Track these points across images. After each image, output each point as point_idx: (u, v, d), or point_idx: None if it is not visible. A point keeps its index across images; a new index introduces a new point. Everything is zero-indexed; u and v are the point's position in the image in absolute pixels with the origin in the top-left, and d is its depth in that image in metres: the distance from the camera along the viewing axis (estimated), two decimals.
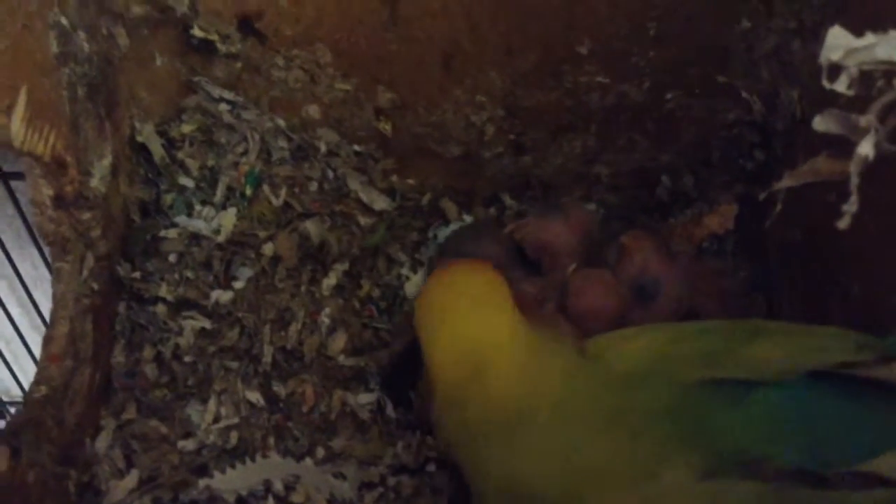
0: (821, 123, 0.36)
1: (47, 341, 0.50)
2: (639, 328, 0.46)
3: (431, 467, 0.54)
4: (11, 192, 0.73)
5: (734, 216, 0.62)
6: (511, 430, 0.44)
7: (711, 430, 0.38)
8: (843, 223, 0.35)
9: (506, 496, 0.44)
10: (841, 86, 0.36)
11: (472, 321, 0.47)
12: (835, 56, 0.36)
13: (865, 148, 0.34)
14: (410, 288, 0.63)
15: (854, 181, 0.34)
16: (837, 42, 0.36)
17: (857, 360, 0.37)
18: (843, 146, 0.40)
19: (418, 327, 0.49)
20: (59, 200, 0.49)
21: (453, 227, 0.66)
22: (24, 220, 0.74)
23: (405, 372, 0.54)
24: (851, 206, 0.34)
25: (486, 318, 0.47)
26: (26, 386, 0.79)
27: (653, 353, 0.43)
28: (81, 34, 0.50)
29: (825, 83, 0.36)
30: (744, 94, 0.58)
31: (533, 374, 0.45)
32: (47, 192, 0.49)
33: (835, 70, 0.36)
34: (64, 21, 0.48)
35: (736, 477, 0.36)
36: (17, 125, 0.43)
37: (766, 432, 0.37)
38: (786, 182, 0.43)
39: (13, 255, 0.78)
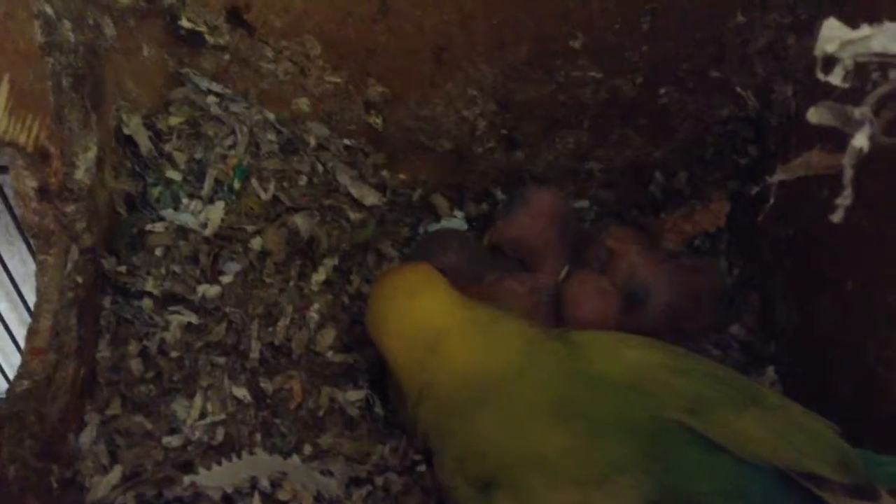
0: (815, 115, 0.36)
1: (31, 335, 0.49)
2: (639, 338, 0.46)
3: (421, 467, 0.53)
4: None
5: (726, 213, 0.62)
6: (469, 398, 0.44)
7: (674, 464, 0.38)
8: (836, 216, 0.34)
9: (462, 472, 0.43)
10: (836, 78, 0.36)
11: (413, 308, 0.49)
12: (830, 48, 0.35)
13: (860, 140, 0.34)
14: None
15: (848, 174, 0.34)
16: (832, 34, 0.36)
17: (832, 479, 0.36)
18: (837, 141, 0.39)
19: (370, 335, 0.51)
20: (42, 192, 0.48)
21: (444, 223, 0.66)
22: (13, 215, 0.73)
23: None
24: (845, 200, 0.34)
25: (426, 302, 0.49)
26: None
27: (646, 370, 0.43)
28: (67, 24, 0.49)
29: (820, 75, 0.36)
30: (738, 90, 0.58)
31: (485, 345, 0.46)
32: (31, 183, 0.48)
33: (830, 62, 0.36)
34: (49, 10, 0.47)
35: None
36: None
37: (724, 489, 0.37)
38: (779, 176, 0.43)
39: (1, 251, 0.77)
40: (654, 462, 0.38)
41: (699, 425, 0.39)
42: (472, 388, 0.45)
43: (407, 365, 0.48)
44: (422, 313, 0.48)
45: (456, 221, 0.66)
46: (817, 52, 0.36)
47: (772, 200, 0.43)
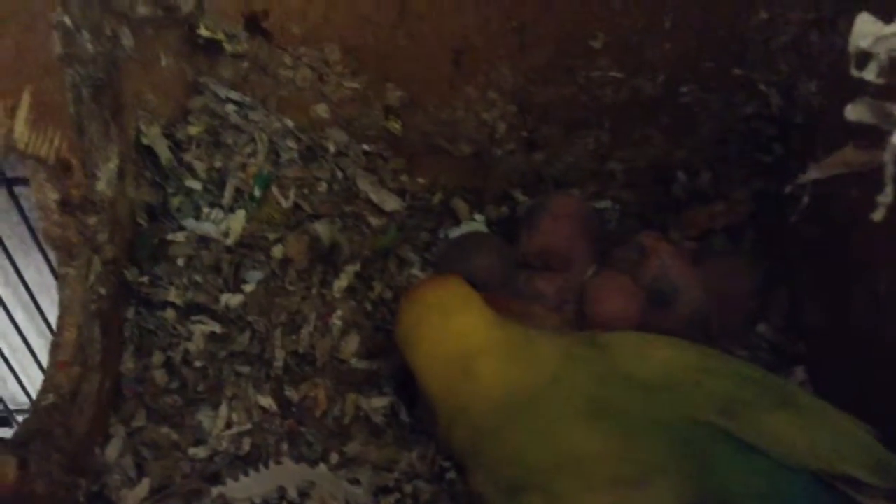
0: (853, 112, 0.35)
1: (55, 348, 0.49)
2: (668, 338, 0.45)
3: (451, 474, 0.53)
4: (15, 199, 0.72)
5: (744, 211, 0.61)
6: (503, 418, 0.44)
7: (709, 465, 0.38)
8: (878, 215, 0.33)
9: (494, 479, 0.43)
10: (870, 74, 0.35)
11: (447, 329, 0.47)
12: (864, 43, 0.35)
13: None
14: None
15: (890, 170, 0.33)
16: (866, 29, 0.35)
17: (867, 482, 0.36)
18: (871, 137, 0.39)
19: (401, 354, 0.50)
20: (64, 204, 0.48)
21: (464, 227, 0.65)
22: (29, 227, 0.73)
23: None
24: (887, 198, 0.33)
25: (460, 322, 0.47)
26: (32, 393, 0.78)
27: (677, 370, 0.42)
28: (86, 35, 0.49)
29: (853, 71, 0.35)
30: (761, 87, 0.57)
31: (520, 366, 0.45)
32: (52, 195, 0.48)
33: (863, 58, 0.35)
34: (68, 21, 0.47)
35: None
36: (20, 127, 0.42)
37: (760, 491, 0.37)
38: (812, 174, 0.42)
39: (18, 262, 0.77)
40: (690, 463, 0.38)
41: (732, 426, 0.38)
42: (507, 409, 0.44)
43: (440, 387, 0.47)
44: (455, 335, 0.47)
45: (476, 225, 0.65)
46: (851, 47, 0.35)
47: (806, 199, 0.42)
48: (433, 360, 0.47)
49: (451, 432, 0.46)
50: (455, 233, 0.64)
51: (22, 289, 0.79)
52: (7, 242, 0.76)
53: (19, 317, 0.84)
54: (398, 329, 0.50)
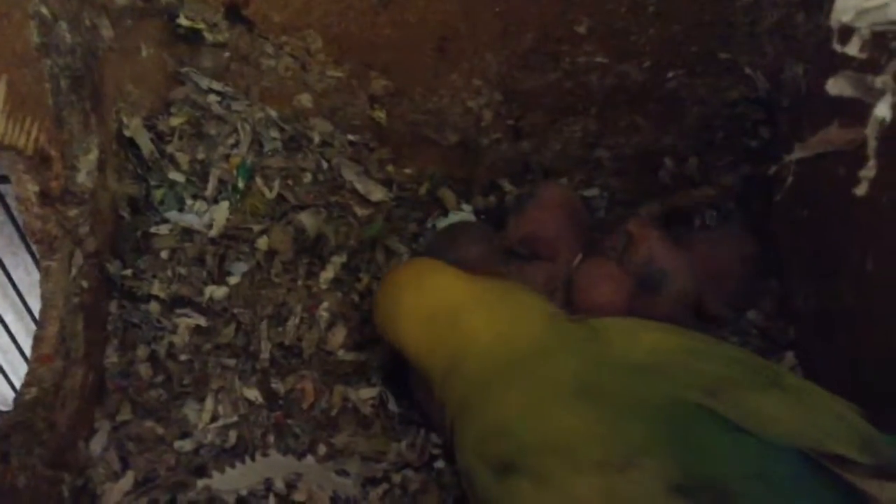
0: (835, 86, 0.35)
1: (37, 342, 0.48)
2: (656, 322, 0.45)
3: (439, 464, 0.52)
4: (2, 197, 0.71)
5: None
6: (494, 371, 0.44)
7: (697, 445, 0.37)
8: (861, 189, 0.33)
9: (481, 452, 0.43)
10: (853, 48, 0.35)
11: (424, 292, 0.48)
12: (846, 18, 0.35)
13: (882, 110, 0.33)
14: None
15: (872, 145, 0.33)
16: (848, 4, 0.35)
17: (855, 460, 0.35)
18: (855, 115, 0.38)
19: (381, 331, 0.51)
20: (44, 196, 0.47)
21: (452, 217, 0.65)
22: (16, 226, 0.73)
23: (407, 365, 0.52)
24: (869, 171, 0.33)
25: (436, 282, 0.48)
26: None
27: (664, 352, 0.42)
28: (63, 25, 0.48)
29: (836, 46, 0.35)
30: (747, 71, 0.57)
31: (506, 316, 0.46)
32: (32, 188, 0.47)
33: (846, 32, 0.35)
34: (45, 11, 0.46)
35: (702, 502, 0.36)
36: None
37: (748, 471, 0.36)
38: (797, 154, 0.42)
39: (6, 261, 0.77)
40: (677, 445, 0.38)
41: (720, 407, 0.38)
42: (498, 361, 0.44)
43: (428, 347, 0.47)
44: (434, 292, 0.48)
45: (464, 215, 0.65)
46: (832, 22, 0.35)
47: (790, 179, 0.42)
48: (415, 325, 0.48)
49: (445, 392, 0.46)
50: (443, 223, 0.64)
51: (10, 289, 0.79)
52: None
53: (8, 317, 0.84)
54: (377, 315, 0.51)
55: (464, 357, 0.45)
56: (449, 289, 0.48)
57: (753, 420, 0.37)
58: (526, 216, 0.59)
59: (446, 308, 0.47)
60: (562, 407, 0.41)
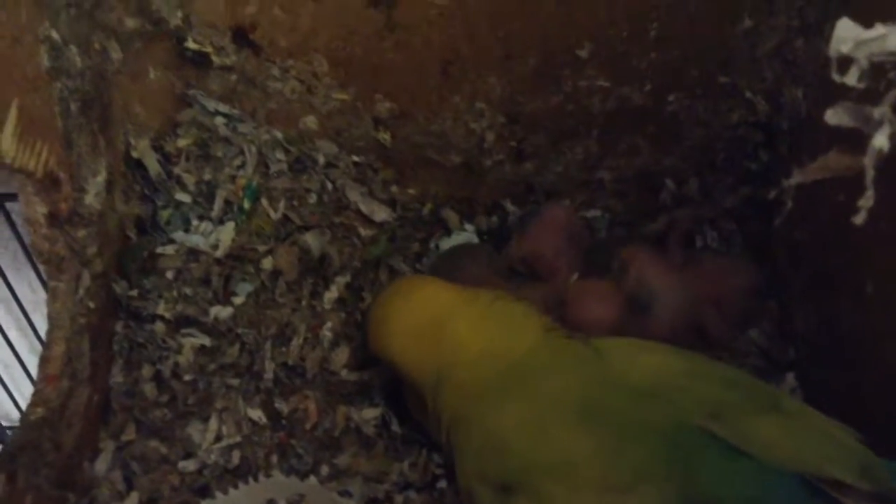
0: (833, 116, 0.35)
1: (43, 362, 0.48)
2: (656, 344, 0.45)
3: (442, 484, 0.53)
4: (7, 214, 0.72)
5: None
6: (489, 379, 0.44)
7: (696, 469, 0.37)
8: (859, 219, 0.34)
9: (481, 470, 0.43)
10: (851, 78, 0.36)
11: (411, 303, 0.49)
12: (844, 48, 0.35)
13: (880, 140, 0.33)
14: None
15: (870, 174, 0.33)
16: (846, 34, 0.35)
17: (854, 485, 0.36)
18: (853, 142, 0.39)
19: (372, 347, 0.51)
20: (53, 218, 0.48)
21: (455, 237, 0.65)
22: (21, 243, 0.73)
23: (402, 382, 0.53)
24: (868, 201, 0.34)
25: (423, 294, 0.49)
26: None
27: (666, 375, 0.42)
28: (73, 48, 0.49)
29: (835, 76, 0.36)
30: (747, 94, 0.57)
31: (495, 323, 0.46)
32: (41, 209, 0.48)
33: (844, 62, 0.35)
34: (55, 35, 0.47)
35: None
36: (7, 141, 0.42)
37: (747, 495, 0.36)
38: (796, 179, 0.42)
39: (10, 279, 0.77)
40: (677, 469, 0.38)
41: (721, 430, 0.38)
42: (490, 371, 0.44)
43: (418, 359, 0.47)
44: (421, 304, 0.48)
45: (466, 235, 0.65)
46: (832, 52, 0.36)
47: (790, 204, 0.43)
48: (405, 335, 0.48)
49: (438, 404, 0.46)
50: (446, 243, 0.64)
51: (14, 305, 0.79)
52: (0, 259, 0.75)
53: (12, 334, 0.84)
54: (368, 330, 0.51)
55: (453, 366, 0.45)
56: (434, 299, 0.48)
57: (753, 444, 0.37)
58: (528, 235, 0.60)
59: (432, 318, 0.47)
60: (564, 427, 0.41)
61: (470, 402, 0.44)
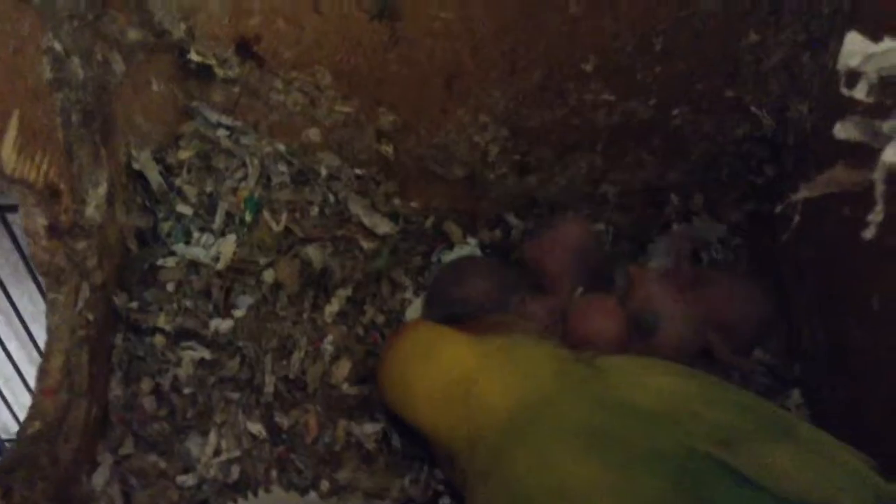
0: (842, 131, 0.35)
1: (41, 374, 0.48)
2: (666, 364, 0.45)
3: (444, 500, 0.52)
4: (8, 226, 0.71)
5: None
6: (508, 430, 0.43)
7: (707, 499, 0.37)
8: (869, 233, 0.33)
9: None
10: (860, 93, 0.35)
11: (432, 365, 0.47)
12: (853, 62, 0.35)
13: (890, 155, 0.33)
14: (412, 313, 0.62)
15: (880, 189, 0.33)
16: (855, 48, 0.35)
17: None
18: (861, 156, 0.38)
19: (393, 408, 0.50)
20: (53, 230, 0.47)
21: (458, 250, 0.65)
22: (22, 255, 0.73)
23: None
24: (877, 216, 0.33)
25: (443, 353, 0.47)
26: None
27: (675, 399, 0.41)
28: (76, 60, 0.49)
29: (843, 90, 0.35)
30: (753, 109, 0.57)
31: (517, 372, 0.45)
32: (41, 221, 0.47)
33: (853, 77, 0.35)
34: (57, 46, 0.47)
35: None
36: (8, 152, 0.42)
37: None
38: (803, 194, 0.42)
39: (10, 291, 0.77)
40: (687, 497, 0.37)
41: (733, 459, 0.37)
42: (513, 424, 0.43)
43: (448, 424, 0.46)
44: (444, 366, 0.47)
45: (469, 248, 0.65)
46: (840, 66, 0.35)
47: (797, 219, 0.42)
48: (431, 401, 0.47)
49: (472, 466, 0.45)
50: (448, 256, 0.64)
51: (15, 318, 0.79)
52: (0, 271, 0.75)
53: (12, 346, 0.84)
54: (387, 389, 0.50)
55: (486, 426, 0.44)
56: (456, 357, 0.47)
57: (766, 474, 0.36)
58: (537, 245, 0.59)
59: (458, 380, 0.46)
60: (568, 455, 0.40)
61: (492, 457, 0.43)
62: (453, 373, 0.46)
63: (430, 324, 0.51)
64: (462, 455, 0.46)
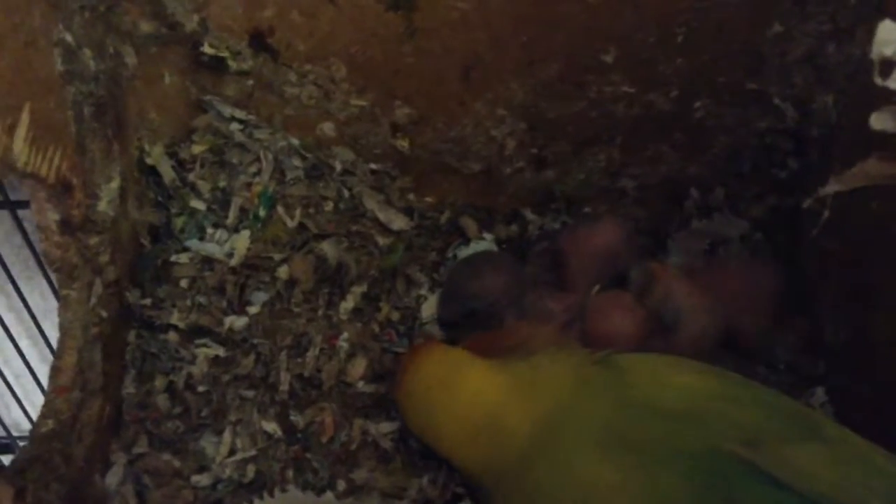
0: (878, 121, 0.34)
1: (54, 372, 0.47)
2: (688, 362, 0.44)
3: (464, 503, 0.51)
4: (19, 222, 0.71)
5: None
6: (530, 450, 0.42)
7: (733, 499, 0.36)
8: None
9: None
10: (894, 82, 0.34)
11: (454, 399, 0.46)
12: (888, 51, 0.34)
13: None
14: (428, 310, 0.61)
15: None
16: (890, 36, 0.34)
17: None
18: (888, 148, 0.37)
19: (415, 432, 0.49)
20: (65, 225, 0.47)
21: (474, 246, 0.64)
22: (33, 251, 0.72)
23: None
24: None
25: (464, 386, 0.46)
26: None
27: (699, 398, 0.40)
28: (87, 52, 0.48)
29: (877, 80, 0.34)
30: (776, 101, 0.56)
31: (538, 395, 0.44)
32: (53, 216, 0.47)
33: (888, 65, 0.34)
34: (69, 39, 0.46)
35: None
36: (19, 145, 0.41)
37: None
38: (833, 187, 0.41)
39: (21, 287, 0.76)
40: (712, 497, 0.36)
41: (759, 459, 0.36)
42: (533, 444, 0.42)
43: (475, 459, 0.45)
44: (467, 399, 0.46)
45: (485, 244, 0.64)
46: (874, 55, 0.34)
47: (826, 213, 0.41)
48: (459, 438, 0.46)
49: (499, 494, 0.44)
50: (464, 252, 0.63)
51: (26, 314, 0.78)
52: (11, 267, 0.75)
53: (23, 343, 0.83)
54: (406, 415, 0.50)
55: (510, 461, 0.43)
56: (480, 393, 0.45)
57: (794, 475, 0.35)
58: (573, 239, 0.58)
59: (483, 414, 0.45)
60: (590, 458, 0.39)
61: (519, 477, 0.42)
62: (477, 409, 0.45)
63: (445, 347, 0.50)
64: (489, 483, 0.45)
